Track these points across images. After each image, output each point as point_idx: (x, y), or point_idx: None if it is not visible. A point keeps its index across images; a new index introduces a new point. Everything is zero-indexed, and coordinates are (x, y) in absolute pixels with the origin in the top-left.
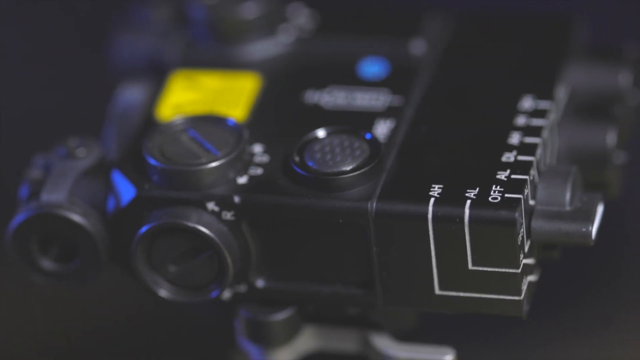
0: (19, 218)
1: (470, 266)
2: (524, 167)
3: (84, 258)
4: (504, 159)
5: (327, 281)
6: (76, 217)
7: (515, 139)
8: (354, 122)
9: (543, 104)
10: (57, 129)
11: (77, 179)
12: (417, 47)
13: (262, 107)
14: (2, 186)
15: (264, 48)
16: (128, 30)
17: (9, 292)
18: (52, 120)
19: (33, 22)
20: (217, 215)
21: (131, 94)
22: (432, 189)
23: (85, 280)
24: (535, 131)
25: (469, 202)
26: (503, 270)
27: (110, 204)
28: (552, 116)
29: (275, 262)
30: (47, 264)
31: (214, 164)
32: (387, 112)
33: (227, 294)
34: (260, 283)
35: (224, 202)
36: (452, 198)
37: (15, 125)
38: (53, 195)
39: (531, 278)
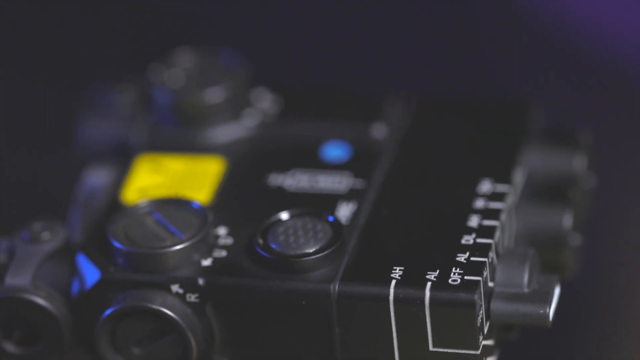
0: None
1: (431, 347)
2: (483, 250)
3: (48, 341)
4: (463, 241)
5: None
6: (40, 301)
7: (474, 221)
8: (317, 205)
9: (501, 188)
10: (22, 213)
11: (41, 263)
12: (379, 131)
13: (226, 190)
14: None
15: (228, 132)
16: (94, 114)
17: None
18: (18, 203)
19: (0, 105)
20: (182, 297)
21: (97, 177)
22: (393, 271)
23: None
24: (494, 214)
25: (429, 284)
26: (463, 351)
27: (75, 287)
28: (510, 199)
29: (239, 343)
30: (10, 347)
31: (178, 247)
32: (349, 195)
33: None
34: None
35: (188, 285)
36: (412, 280)
37: None
38: (17, 279)
39: (490, 359)
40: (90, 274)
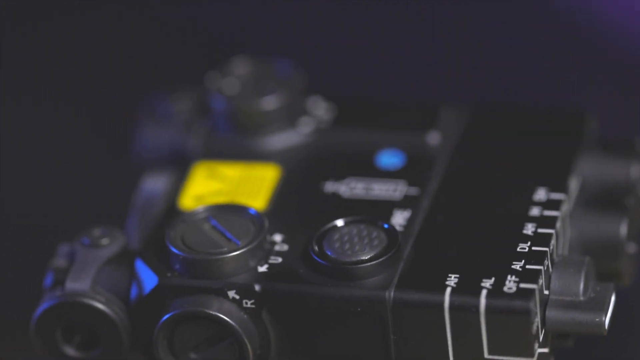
0: (43, 306)
1: (486, 355)
2: (539, 258)
3: (107, 345)
4: (518, 249)
5: None
6: (100, 305)
7: (529, 229)
8: (372, 212)
9: (556, 196)
10: (82, 219)
11: (100, 268)
12: (433, 139)
13: (281, 197)
14: (28, 275)
15: (283, 140)
16: (151, 121)
17: None
18: (77, 210)
19: (59, 114)
20: (238, 303)
21: (154, 184)
22: (448, 279)
23: None
24: (549, 222)
25: (484, 291)
26: (518, 359)
27: (133, 292)
28: (565, 207)
29: (294, 349)
30: (70, 351)
31: (235, 253)
32: (404, 202)
33: None
34: None
35: (245, 291)
36: (468, 288)
37: (41, 215)
38: (77, 284)
39: None
40: (148, 279)
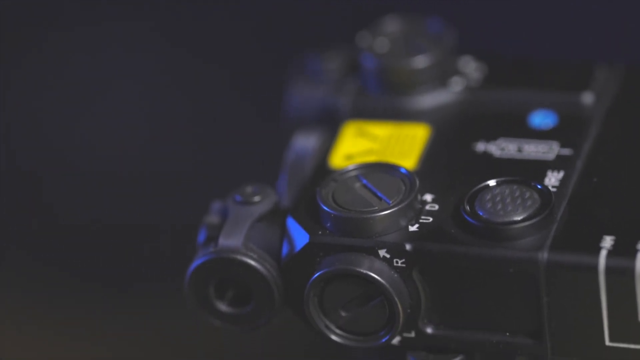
0: (197, 262)
1: None
2: None
3: (259, 302)
4: None
5: (495, 330)
6: (252, 262)
7: None
8: (524, 172)
9: None
10: (234, 177)
11: (252, 225)
12: (587, 99)
13: (430, 157)
14: (180, 231)
15: (433, 99)
16: (302, 80)
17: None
18: (229, 168)
19: (214, 74)
20: (389, 262)
21: (305, 143)
22: (603, 241)
23: (259, 324)
24: None
25: None
26: None
27: (284, 250)
28: None
29: (443, 310)
30: (222, 307)
31: (386, 212)
32: (557, 163)
33: (396, 340)
34: (429, 330)
35: (396, 250)
36: (623, 250)
37: (196, 173)
38: (230, 240)
39: None
40: (299, 236)
